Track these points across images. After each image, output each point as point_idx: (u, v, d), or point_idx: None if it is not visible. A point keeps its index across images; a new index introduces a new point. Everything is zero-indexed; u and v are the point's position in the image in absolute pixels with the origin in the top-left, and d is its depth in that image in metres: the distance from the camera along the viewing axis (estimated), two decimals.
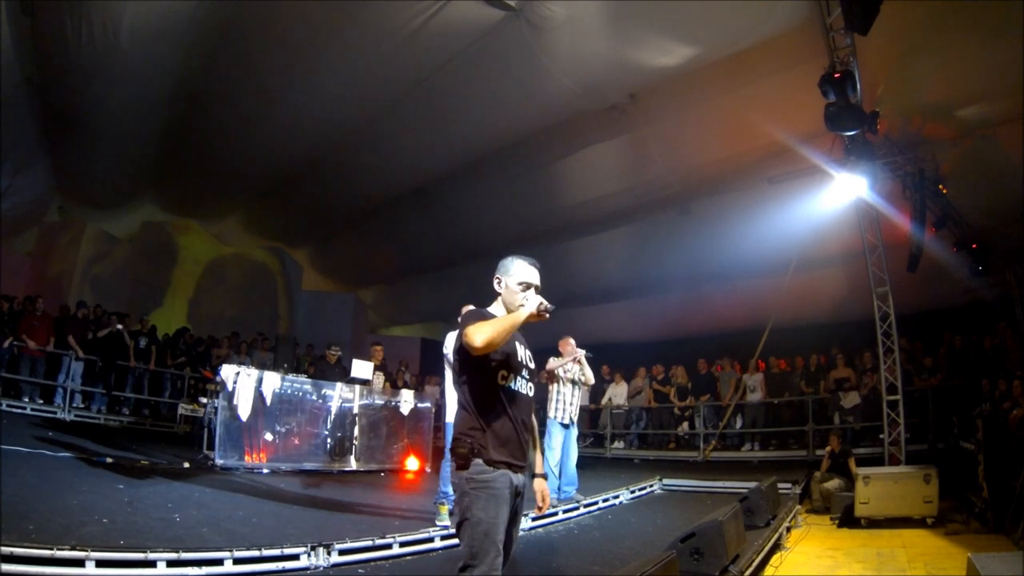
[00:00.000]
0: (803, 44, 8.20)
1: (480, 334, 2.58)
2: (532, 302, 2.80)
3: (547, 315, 2.83)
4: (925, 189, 8.88)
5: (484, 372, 2.73)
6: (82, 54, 9.02)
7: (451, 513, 4.62)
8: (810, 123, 8.45)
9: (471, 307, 3.03)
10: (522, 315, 2.75)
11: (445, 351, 5.66)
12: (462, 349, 2.71)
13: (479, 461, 2.65)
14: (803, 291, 11.04)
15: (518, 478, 2.74)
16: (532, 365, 2.98)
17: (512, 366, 2.81)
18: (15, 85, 9.63)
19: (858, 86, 7.54)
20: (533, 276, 2.95)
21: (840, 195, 9.21)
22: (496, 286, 2.98)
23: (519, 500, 2.78)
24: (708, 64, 9.07)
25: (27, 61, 9.36)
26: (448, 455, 3.08)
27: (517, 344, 2.87)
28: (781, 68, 8.79)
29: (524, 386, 2.86)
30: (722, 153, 10.55)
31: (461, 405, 2.80)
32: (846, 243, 10.29)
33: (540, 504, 3.01)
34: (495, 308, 2.96)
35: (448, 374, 5.68)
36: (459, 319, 2.89)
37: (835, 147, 8.76)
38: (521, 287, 2.91)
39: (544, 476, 3.07)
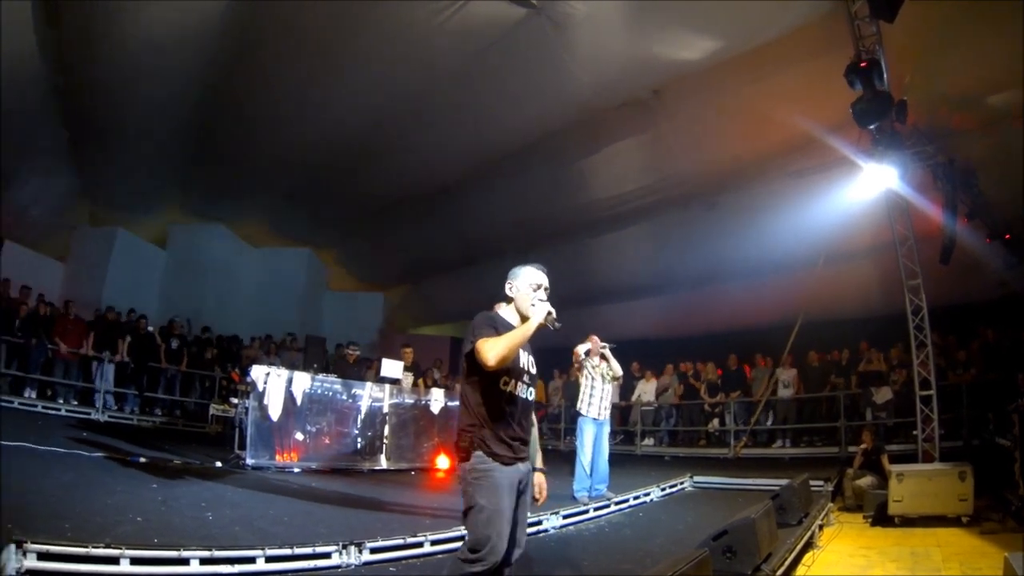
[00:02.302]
0: (828, 34, 8.08)
1: (493, 352, 2.75)
2: (540, 310, 2.95)
3: (554, 326, 2.99)
4: (956, 179, 8.69)
5: (488, 377, 2.86)
6: (107, 61, 9.21)
7: None
8: (837, 114, 8.32)
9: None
10: (531, 327, 2.91)
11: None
12: (471, 354, 2.84)
13: (479, 453, 2.81)
14: (833, 285, 10.86)
15: (519, 469, 2.89)
16: (534, 371, 3.11)
17: (514, 372, 2.95)
18: (43, 93, 9.84)
19: (885, 75, 7.40)
20: (542, 277, 3.11)
21: (869, 186, 9.05)
22: (508, 291, 3.13)
23: (523, 495, 2.94)
24: (731, 57, 8.97)
25: (53, 69, 9.54)
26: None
27: (521, 351, 2.98)
28: (806, 59, 8.67)
29: (524, 391, 3.01)
30: (747, 147, 10.44)
31: (463, 402, 2.96)
32: (876, 235, 10.08)
33: (537, 496, 3.14)
34: (506, 312, 3.11)
35: None
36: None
37: (862, 138, 8.60)
38: (532, 287, 3.07)
39: (543, 471, 3.19)
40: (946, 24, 7.81)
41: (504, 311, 3.13)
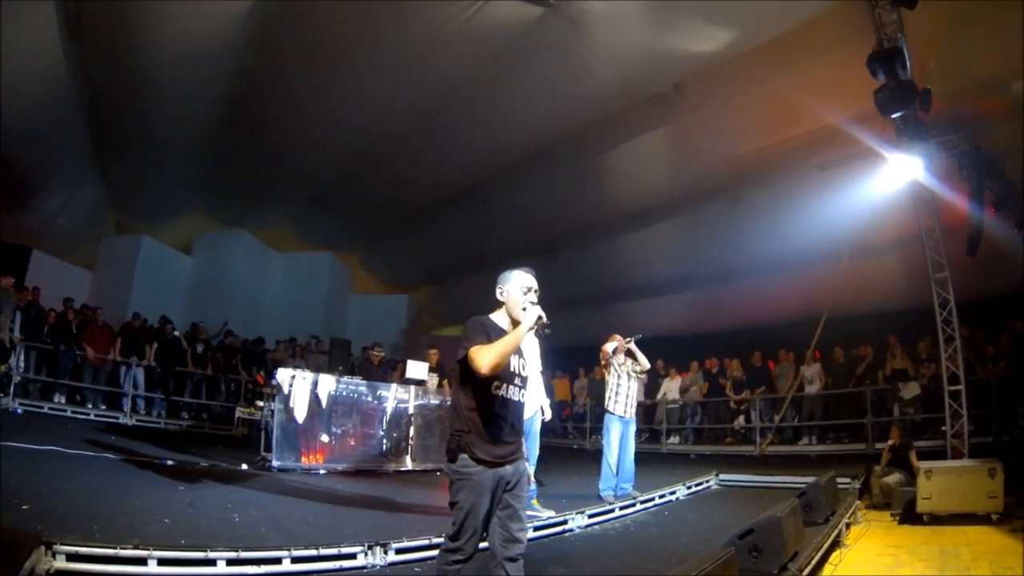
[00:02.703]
0: (848, 22, 7.98)
1: (486, 360, 2.92)
2: (531, 315, 3.10)
3: (544, 332, 3.15)
4: (982, 168, 8.50)
5: (481, 382, 3.03)
6: (130, 73, 9.34)
7: None
8: (859, 104, 8.24)
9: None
10: (523, 332, 3.06)
11: None
12: (464, 360, 3.00)
13: (464, 456, 3.01)
14: (859, 279, 10.67)
15: (506, 471, 3.07)
16: (525, 373, 3.25)
17: (505, 376, 3.10)
18: (68, 105, 10.00)
19: (908, 63, 7.28)
20: (531, 281, 3.26)
21: (894, 178, 8.90)
22: (499, 296, 3.27)
23: (515, 489, 3.10)
24: (752, 49, 8.89)
25: (79, 82, 9.69)
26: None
27: (512, 354, 3.10)
28: (827, 49, 8.57)
29: (516, 393, 3.18)
30: (770, 139, 10.32)
31: (455, 407, 3.14)
32: (902, 228, 9.90)
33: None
34: (498, 316, 3.26)
35: None
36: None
37: (886, 128, 8.46)
38: (523, 290, 3.21)
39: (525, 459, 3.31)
40: (967, 9, 7.66)
41: (496, 316, 3.25)
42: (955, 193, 8.81)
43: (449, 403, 3.46)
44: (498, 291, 3.28)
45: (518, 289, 3.21)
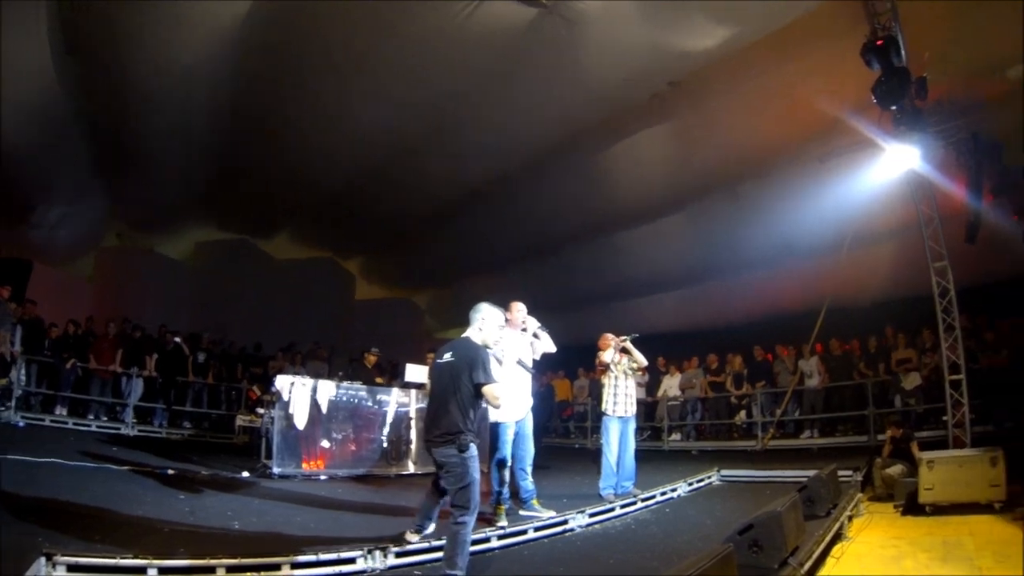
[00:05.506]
0: (843, 15, 7.94)
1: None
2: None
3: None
4: (981, 154, 8.45)
5: (480, 399, 4.32)
6: (126, 85, 9.34)
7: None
8: (856, 96, 8.26)
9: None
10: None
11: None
12: (482, 385, 4.28)
13: (473, 444, 4.23)
14: (858, 270, 10.66)
15: None
16: None
17: None
18: (65, 119, 10.00)
19: (903, 51, 7.24)
20: (503, 320, 4.75)
21: (892, 168, 8.87)
22: (481, 323, 4.62)
23: None
24: (748, 44, 8.86)
25: (77, 95, 9.69)
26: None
27: None
28: (824, 41, 8.53)
29: None
30: (767, 134, 10.31)
31: (460, 409, 4.25)
32: (900, 217, 9.83)
33: None
34: (474, 334, 4.63)
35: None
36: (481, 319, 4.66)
37: (884, 118, 8.41)
38: (500, 328, 4.72)
39: None
40: None
41: (475, 337, 4.57)
42: (953, 181, 8.77)
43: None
44: (481, 319, 4.60)
45: (498, 327, 4.64)
